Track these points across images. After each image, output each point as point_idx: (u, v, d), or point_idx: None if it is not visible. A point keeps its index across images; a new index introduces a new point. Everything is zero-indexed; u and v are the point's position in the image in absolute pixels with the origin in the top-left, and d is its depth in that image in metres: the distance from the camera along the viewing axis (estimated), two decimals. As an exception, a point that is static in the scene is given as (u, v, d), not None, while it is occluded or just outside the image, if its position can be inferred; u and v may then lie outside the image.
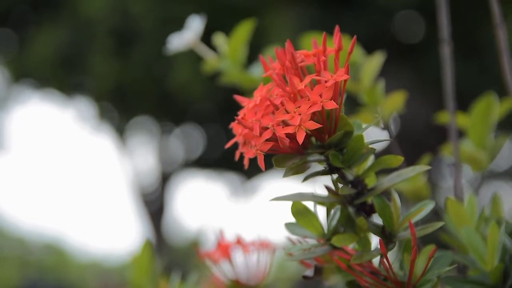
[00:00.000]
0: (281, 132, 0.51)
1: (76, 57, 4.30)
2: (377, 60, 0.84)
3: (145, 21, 3.92)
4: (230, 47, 0.87)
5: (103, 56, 4.13)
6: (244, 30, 0.87)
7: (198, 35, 0.85)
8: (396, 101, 0.85)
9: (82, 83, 4.73)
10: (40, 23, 4.34)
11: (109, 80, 4.22)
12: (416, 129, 4.34)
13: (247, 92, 0.87)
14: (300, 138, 0.51)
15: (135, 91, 4.39)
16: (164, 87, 4.11)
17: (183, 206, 8.16)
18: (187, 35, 0.85)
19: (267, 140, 0.52)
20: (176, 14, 3.66)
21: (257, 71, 0.87)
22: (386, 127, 0.81)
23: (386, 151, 0.83)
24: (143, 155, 6.02)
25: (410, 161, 0.77)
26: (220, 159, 5.22)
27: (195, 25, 0.85)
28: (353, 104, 0.83)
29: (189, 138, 5.56)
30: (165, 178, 5.94)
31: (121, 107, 4.79)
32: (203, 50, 0.87)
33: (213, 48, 0.90)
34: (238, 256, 0.80)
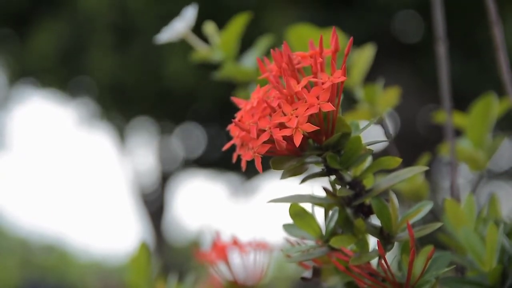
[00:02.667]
0: (278, 134, 0.51)
1: (75, 53, 4.30)
2: (367, 53, 0.83)
3: (144, 17, 3.92)
4: (223, 40, 0.86)
5: (102, 51, 4.13)
6: (238, 24, 0.86)
7: (190, 26, 0.85)
8: (391, 97, 0.84)
9: (82, 81, 4.74)
10: (40, 21, 4.35)
11: (108, 76, 4.22)
12: (416, 129, 4.34)
13: (241, 85, 0.87)
14: (297, 141, 0.51)
15: (134, 87, 4.39)
16: (163, 84, 4.11)
17: (183, 206, 8.16)
18: (180, 26, 0.84)
19: (264, 142, 0.52)
20: (175, 11, 3.66)
21: (249, 62, 0.86)
22: (381, 123, 0.81)
23: (384, 151, 0.83)
24: (143, 155, 6.02)
25: (410, 160, 0.77)
26: (221, 159, 5.22)
27: (188, 16, 0.85)
28: (347, 100, 0.82)
29: (189, 138, 5.56)
30: (165, 178, 5.94)
31: (121, 105, 4.79)
32: (195, 41, 0.87)
33: (207, 42, 0.89)
34: (235, 257, 0.80)
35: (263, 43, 0.86)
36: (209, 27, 0.88)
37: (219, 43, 0.86)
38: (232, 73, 0.86)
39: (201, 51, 0.87)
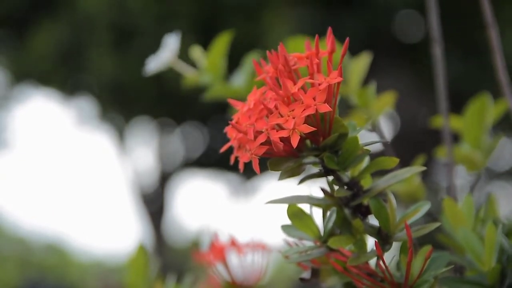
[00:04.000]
0: (275, 135, 0.51)
1: (75, 53, 4.30)
2: (364, 60, 0.83)
3: (144, 17, 3.92)
4: (209, 61, 0.86)
5: (102, 51, 4.13)
6: (222, 43, 0.86)
7: (175, 52, 0.85)
8: (387, 101, 0.84)
9: (82, 80, 4.74)
10: (40, 22, 4.35)
11: (108, 75, 4.22)
12: (416, 129, 4.34)
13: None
14: (295, 142, 0.51)
15: (134, 87, 4.39)
16: (163, 83, 4.11)
17: (183, 206, 8.16)
18: (165, 55, 0.85)
19: (261, 144, 0.52)
20: (174, 11, 3.66)
21: (238, 81, 0.87)
22: (375, 129, 0.81)
23: (382, 152, 0.83)
24: (143, 154, 6.02)
25: (409, 161, 0.77)
26: (220, 159, 5.22)
27: (171, 44, 0.85)
28: (344, 105, 0.82)
29: (189, 138, 5.56)
30: (165, 178, 5.94)
31: (121, 105, 4.79)
32: (183, 67, 0.87)
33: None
34: (234, 258, 0.80)
35: (250, 61, 0.86)
36: (195, 51, 0.88)
37: (205, 65, 0.87)
38: (221, 93, 0.87)
39: (190, 76, 0.88)
